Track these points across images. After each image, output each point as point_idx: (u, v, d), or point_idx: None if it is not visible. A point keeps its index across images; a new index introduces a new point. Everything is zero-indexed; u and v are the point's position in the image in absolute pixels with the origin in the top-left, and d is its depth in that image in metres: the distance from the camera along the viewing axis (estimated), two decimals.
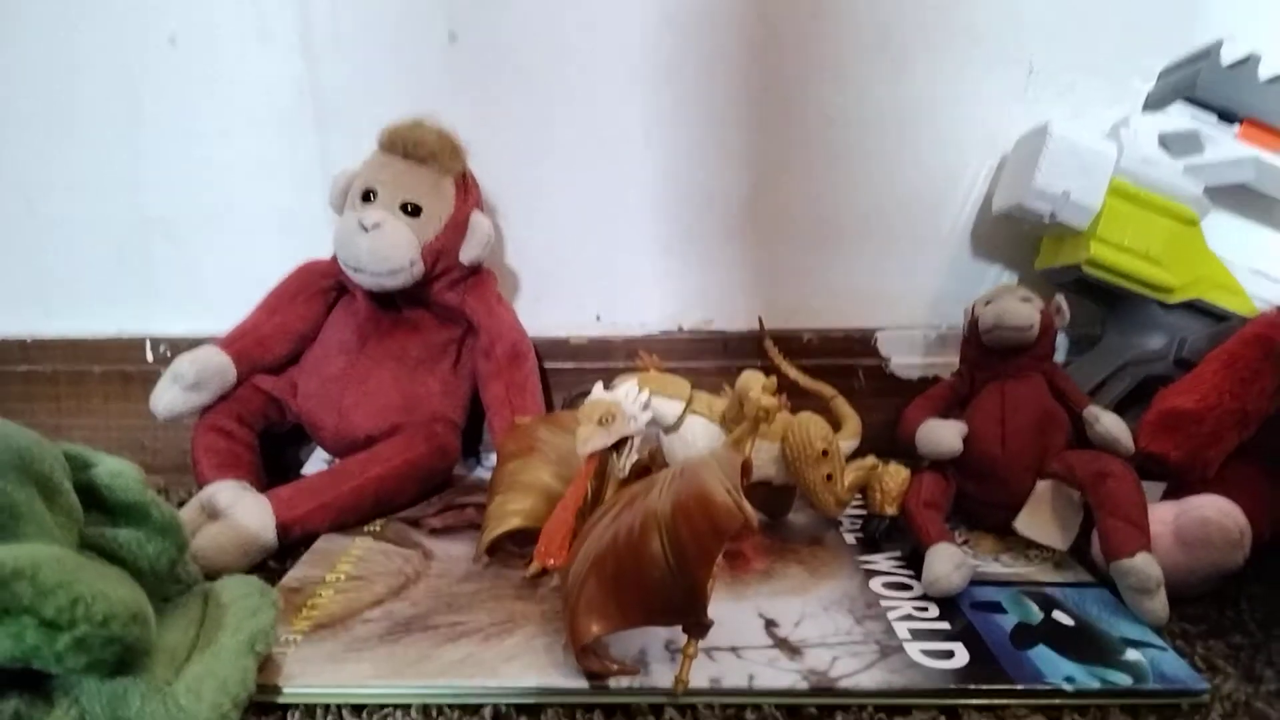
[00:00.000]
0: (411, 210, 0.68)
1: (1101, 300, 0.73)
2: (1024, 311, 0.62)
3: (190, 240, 0.81)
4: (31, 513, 0.38)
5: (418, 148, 0.69)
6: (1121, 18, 0.74)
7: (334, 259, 0.71)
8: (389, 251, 0.67)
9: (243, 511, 0.58)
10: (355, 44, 0.76)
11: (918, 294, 0.80)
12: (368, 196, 0.69)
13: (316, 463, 0.74)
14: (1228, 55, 0.68)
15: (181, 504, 0.60)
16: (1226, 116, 0.69)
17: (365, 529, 0.63)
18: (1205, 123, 0.70)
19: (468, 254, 0.71)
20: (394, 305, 0.72)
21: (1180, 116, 0.70)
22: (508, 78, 0.76)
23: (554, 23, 0.75)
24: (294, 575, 0.55)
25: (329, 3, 0.75)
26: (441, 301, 0.72)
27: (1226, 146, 0.69)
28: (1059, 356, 0.77)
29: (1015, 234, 0.77)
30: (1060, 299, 0.64)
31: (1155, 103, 0.73)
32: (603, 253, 0.80)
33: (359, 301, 0.72)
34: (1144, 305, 0.70)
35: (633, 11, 0.74)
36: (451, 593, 0.53)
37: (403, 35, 0.75)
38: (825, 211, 0.79)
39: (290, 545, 0.60)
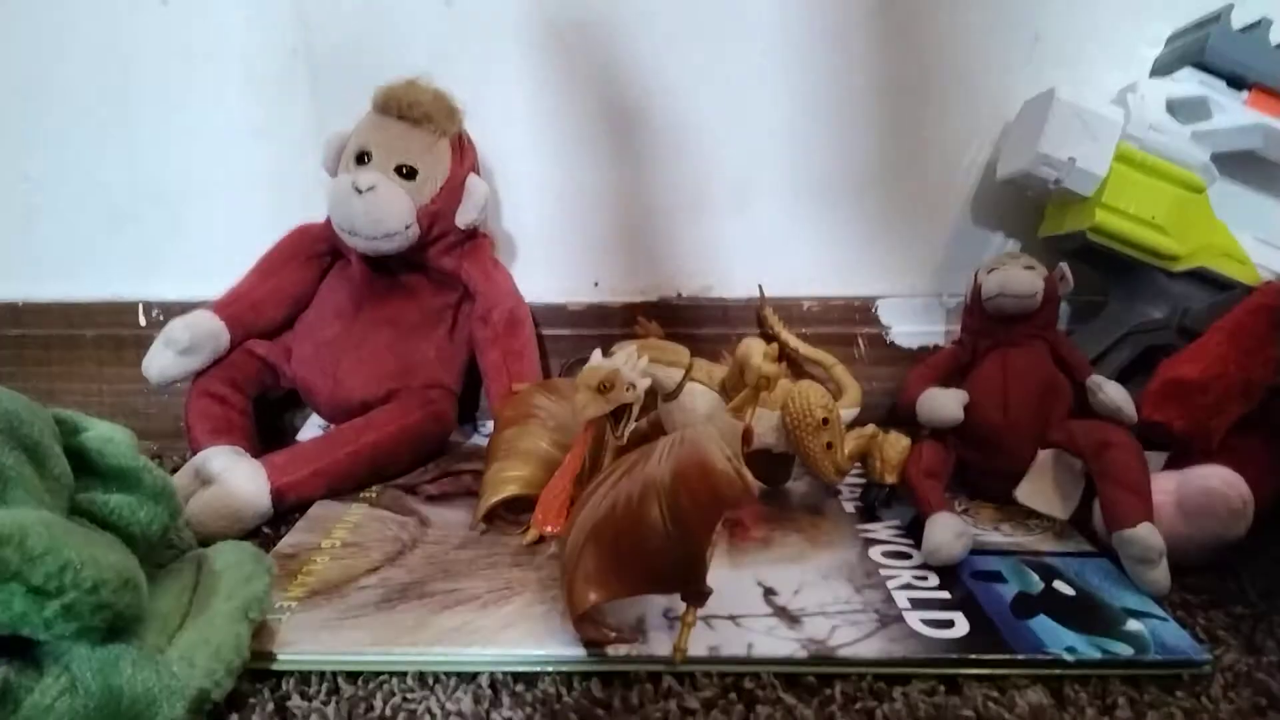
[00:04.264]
0: (406, 172, 0.67)
1: (1105, 268, 0.72)
2: (1027, 279, 0.62)
3: (183, 204, 0.80)
4: (20, 478, 0.38)
5: (412, 108, 0.68)
6: None
7: (328, 222, 0.70)
8: (383, 214, 0.66)
9: (236, 477, 0.58)
10: (350, 3, 0.74)
11: (919, 262, 0.79)
12: (362, 159, 0.67)
13: (311, 429, 0.74)
14: (1238, 20, 0.67)
15: (175, 470, 0.60)
16: (1235, 83, 0.68)
17: (361, 495, 0.62)
18: (1214, 89, 0.69)
19: (464, 217, 0.70)
20: (389, 270, 0.71)
21: (1188, 82, 0.69)
22: (505, 38, 0.74)
23: None
24: (289, 541, 0.55)
25: None
26: (438, 266, 0.71)
27: (1235, 113, 0.68)
28: (1060, 325, 0.76)
29: (1019, 201, 0.76)
30: (1064, 267, 0.63)
31: (1163, 68, 0.72)
32: (601, 218, 0.79)
33: (354, 266, 0.71)
34: (1148, 273, 0.70)
35: None
36: (448, 560, 0.53)
37: None
38: (827, 178, 0.78)
39: (285, 511, 0.60)
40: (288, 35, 0.75)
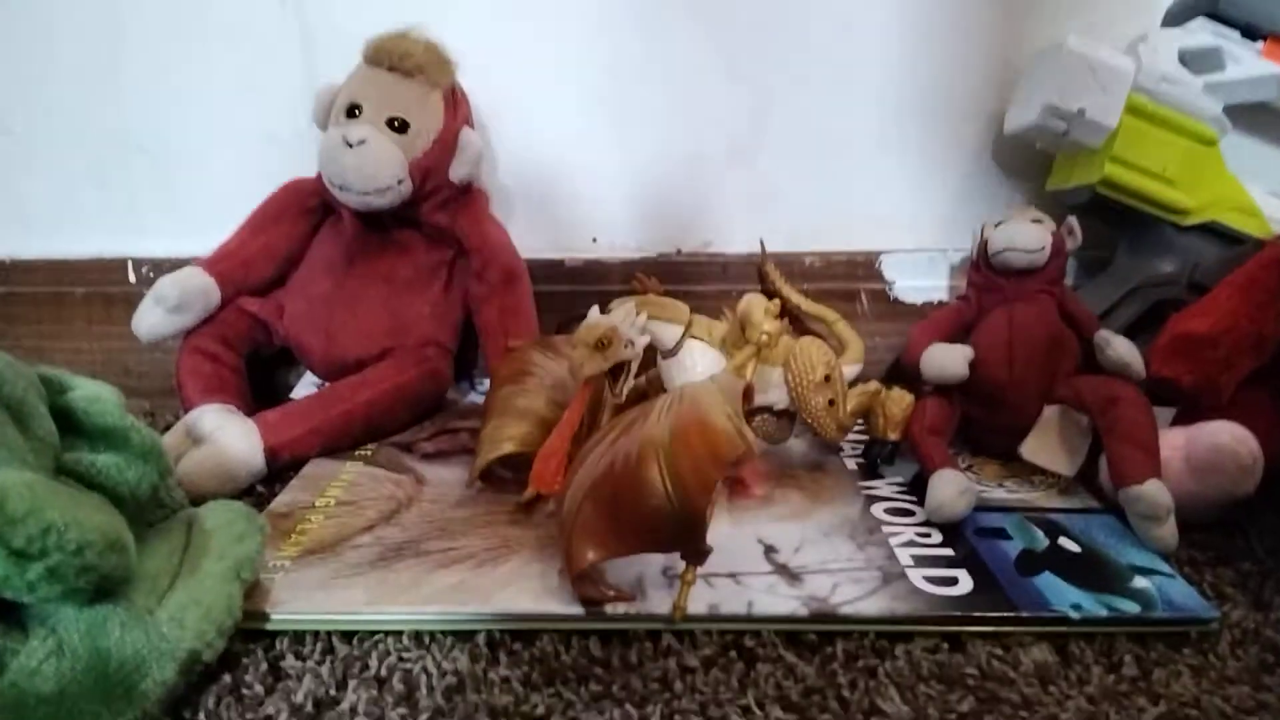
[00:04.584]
0: (398, 126, 0.65)
1: (1114, 222, 0.71)
2: (1035, 233, 0.61)
3: (172, 159, 0.78)
4: (2, 438, 0.37)
5: (404, 60, 0.66)
6: None
7: (319, 177, 0.68)
8: (375, 169, 0.64)
9: (229, 436, 0.57)
10: None
11: (924, 216, 0.78)
12: (352, 112, 0.66)
13: (305, 386, 0.73)
14: None
15: (168, 428, 0.59)
16: (1250, 33, 0.67)
17: (356, 453, 0.62)
18: (1227, 39, 0.67)
19: (458, 172, 0.68)
20: (382, 225, 0.69)
21: (1201, 32, 0.68)
22: None
23: None
24: (282, 500, 0.54)
25: None
26: (431, 222, 0.69)
27: (1249, 64, 0.67)
28: (1068, 280, 0.75)
29: (1026, 154, 0.74)
30: (1072, 220, 0.62)
31: (1175, 18, 0.71)
32: (599, 173, 0.78)
33: (345, 221, 0.69)
34: (1158, 228, 0.69)
35: None
36: (444, 518, 0.52)
37: None
38: (829, 130, 0.76)
39: (279, 470, 0.59)
40: None
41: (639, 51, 0.74)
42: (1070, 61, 0.66)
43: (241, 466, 0.56)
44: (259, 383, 0.70)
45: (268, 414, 0.60)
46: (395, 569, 0.46)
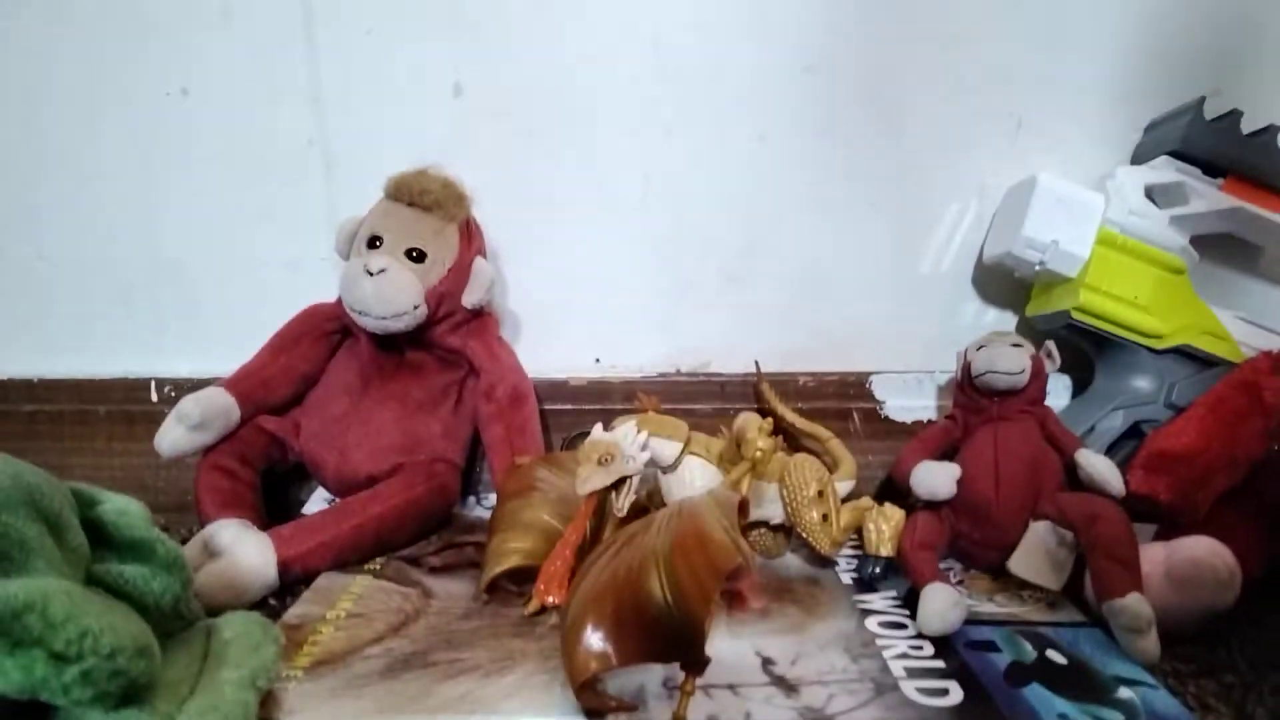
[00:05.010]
0: (416, 256, 0.70)
1: (1092, 345, 0.74)
2: (1015, 356, 0.64)
3: (198, 283, 0.82)
4: (41, 548, 0.39)
5: (423, 195, 0.71)
6: (1108, 73, 0.76)
7: (338, 302, 0.72)
8: (393, 295, 0.68)
9: (244, 549, 0.58)
10: (364, 96, 0.78)
11: (912, 338, 0.82)
12: (373, 243, 0.70)
13: (317, 502, 0.75)
14: (1210, 110, 0.70)
15: (183, 542, 0.60)
16: (1211, 170, 0.71)
17: (365, 567, 0.63)
18: (1190, 176, 0.71)
19: (470, 298, 0.72)
20: (397, 348, 0.73)
21: (1166, 169, 0.72)
22: (511, 128, 0.78)
23: (557, 76, 0.77)
24: (295, 612, 0.56)
25: (338, 56, 0.77)
26: (444, 344, 0.73)
27: (1211, 198, 0.71)
28: (1061, 399, 0.78)
29: (1007, 281, 0.78)
30: (1050, 345, 0.65)
31: (1141, 156, 0.75)
32: (602, 297, 0.82)
33: (362, 344, 0.73)
34: (1134, 350, 0.72)
35: (634, 66, 0.76)
36: (451, 630, 0.53)
37: (410, 87, 0.77)
38: (820, 258, 0.81)
39: (291, 583, 0.60)
40: (304, 124, 0.78)
41: (639, 184, 0.79)
42: (1042, 195, 0.71)
43: (256, 579, 0.58)
44: (271, 498, 0.71)
45: (281, 529, 0.62)
46: (404, 680, 0.47)
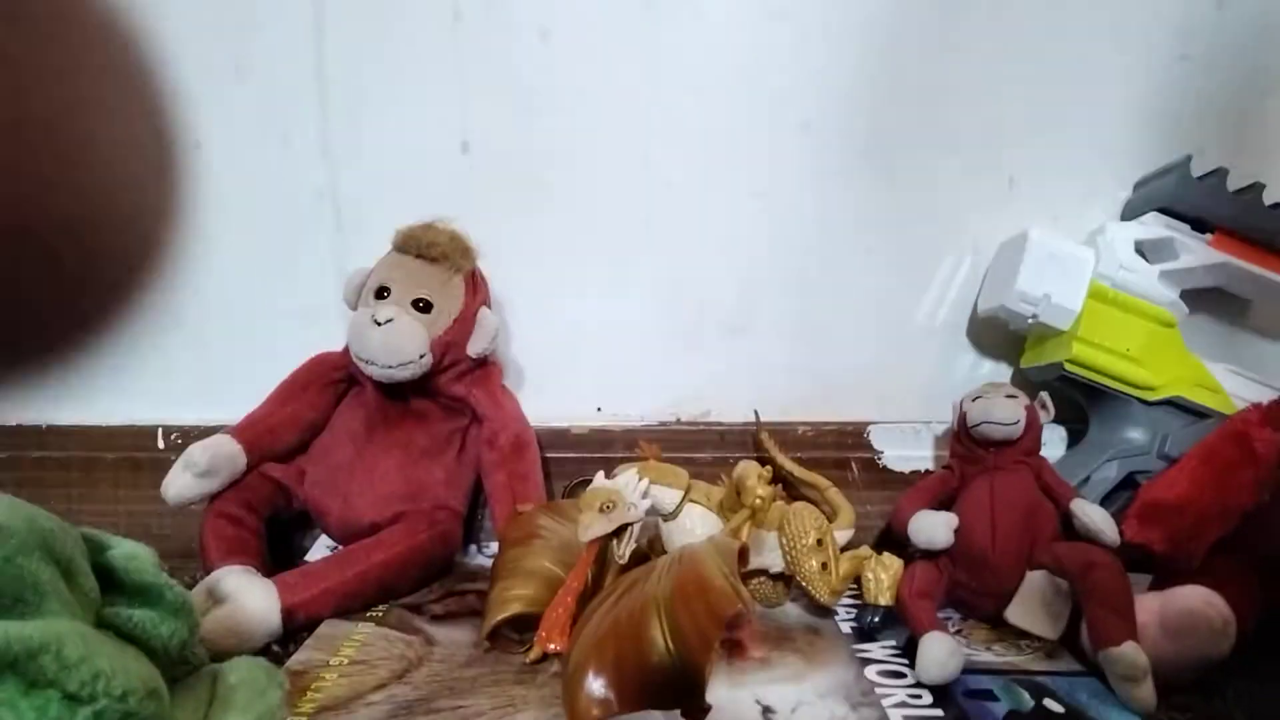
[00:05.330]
0: (422, 306, 0.71)
1: (1086, 396, 0.75)
2: (1009, 407, 0.65)
3: (206, 332, 0.83)
4: (55, 591, 0.40)
5: (430, 248, 0.72)
6: (1097, 131, 0.79)
7: (345, 351, 0.73)
8: (400, 345, 0.69)
9: (249, 596, 0.59)
10: (373, 151, 0.80)
11: (909, 389, 0.83)
12: (381, 293, 0.71)
13: (321, 549, 0.75)
14: (1198, 168, 0.72)
15: (188, 588, 0.61)
16: (1199, 226, 0.73)
17: (368, 614, 0.63)
18: (1179, 231, 0.73)
19: (475, 347, 0.73)
20: (402, 396, 0.74)
21: (1155, 225, 0.74)
22: (516, 184, 0.80)
23: (560, 135, 0.79)
24: (298, 659, 0.56)
25: (349, 112, 0.79)
26: (448, 393, 0.74)
27: (1200, 253, 0.72)
28: (1056, 449, 0.79)
29: (1001, 333, 0.80)
30: (1044, 396, 0.66)
31: (1131, 212, 0.77)
32: (604, 347, 0.83)
33: (368, 392, 0.74)
34: (1126, 402, 0.73)
35: (633, 124, 0.79)
36: (453, 677, 0.54)
37: (418, 144, 0.79)
38: (818, 309, 0.82)
39: (294, 630, 0.60)
40: (315, 177, 0.80)
41: (640, 236, 0.81)
42: (1034, 250, 0.72)
43: (260, 625, 0.58)
44: (276, 544, 0.72)
45: (286, 575, 0.62)
46: None
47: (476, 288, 0.75)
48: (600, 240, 0.81)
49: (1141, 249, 0.74)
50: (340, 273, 0.77)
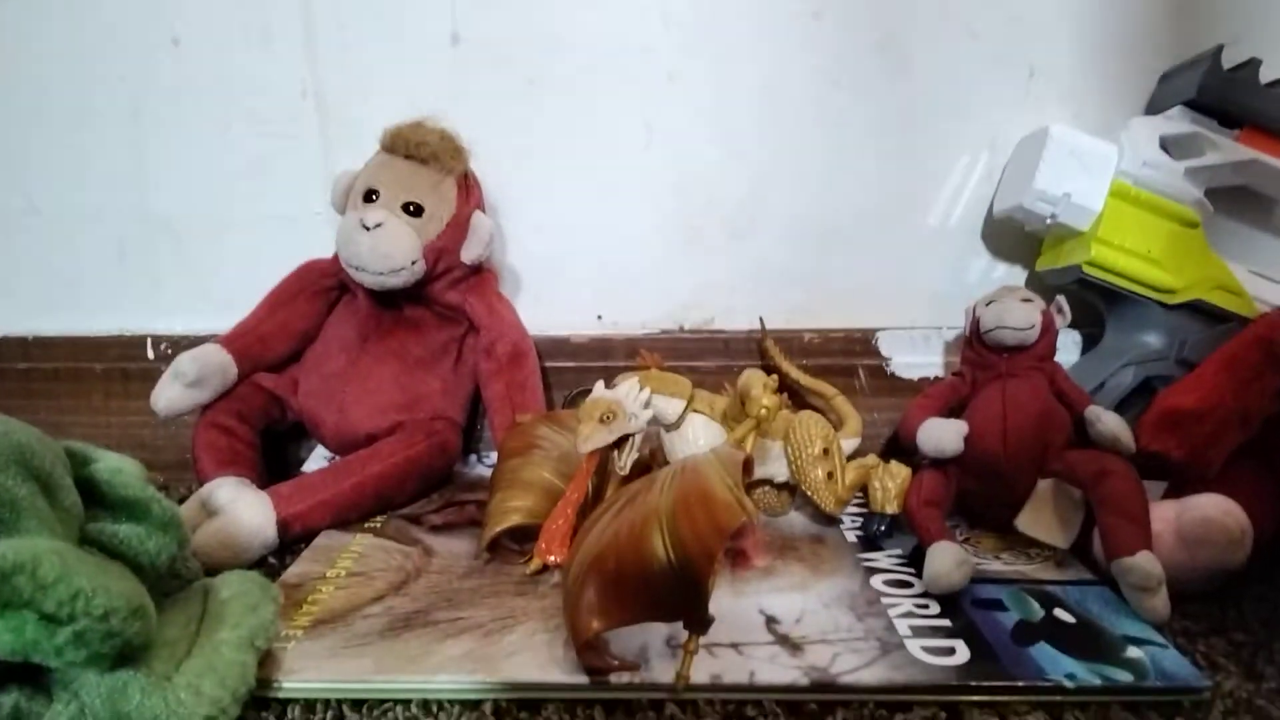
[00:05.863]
0: (413, 210, 0.68)
1: (1103, 300, 0.73)
2: (1024, 312, 0.62)
3: (193, 239, 0.81)
4: (32, 508, 0.38)
5: (419, 148, 0.69)
6: (1122, 21, 0.74)
7: (335, 258, 0.71)
8: (390, 250, 0.67)
9: (243, 508, 0.58)
10: (358, 46, 0.76)
11: (919, 294, 0.80)
12: (369, 197, 0.69)
13: (317, 460, 0.74)
14: (1228, 59, 0.68)
15: (182, 500, 0.60)
16: (1227, 121, 0.70)
17: (366, 525, 0.63)
18: (1206, 126, 0.70)
19: (469, 253, 0.71)
20: (395, 304, 0.72)
21: (1181, 120, 0.71)
22: (510, 79, 0.76)
23: (556, 25, 0.75)
24: (294, 571, 0.55)
25: (332, 4, 0.75)
26: (443, 300, 0.72)
27: (1227, 150, 0.69)
28: (1071, 354, 0.77)
29: (1017, 235, 0.77)
30: (1061, 300, 0.64)
31: (1156, 106, 0.74)
32: (604, 252, 0.81)
33: (360, 300, 0.72)
34: (1145, 306, 0.71)
35: (634, 13, 0.74)
36: (452, 589, 0.53)
37: (406, 37, 0.75)
38: (826, 211, 0.79)
39: (290, 542, 0.60)
40: (298, 76, 0.76)
41: (641, 136, 0.77)
42: (1055, 147, 0.69)
43: (255, 538, 0.58)
44: (271, 456, 0.71)
45: (281, 487, 0.61)
46: (404, 639, 0.47)
47: (469, 191, 0.72)
48: (599, 139, 0.78)
49: (1166, 145, 0.70)
50: (327, 175, 0.74)
